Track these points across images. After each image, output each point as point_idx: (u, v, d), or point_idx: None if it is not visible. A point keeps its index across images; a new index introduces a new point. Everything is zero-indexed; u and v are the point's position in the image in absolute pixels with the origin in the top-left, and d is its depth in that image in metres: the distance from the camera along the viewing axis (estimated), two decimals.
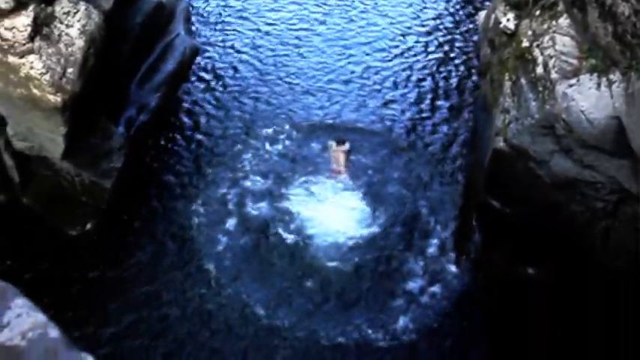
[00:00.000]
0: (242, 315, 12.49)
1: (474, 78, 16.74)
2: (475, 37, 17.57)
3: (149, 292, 12.89)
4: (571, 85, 10.21)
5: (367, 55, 17.80)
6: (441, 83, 16.96)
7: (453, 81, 17.02)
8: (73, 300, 12.69)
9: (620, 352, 11.26)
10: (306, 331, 12.14)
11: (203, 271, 13.20)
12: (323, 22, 18.70)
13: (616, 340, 11.41)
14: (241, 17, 18.92)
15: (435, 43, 18.12)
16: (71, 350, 3.74)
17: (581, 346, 11.79)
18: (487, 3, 18.14)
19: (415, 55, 17.80)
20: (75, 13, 12.30)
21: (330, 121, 16.07)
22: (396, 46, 17.98)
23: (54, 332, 3.76)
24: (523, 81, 11.36)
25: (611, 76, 9.75)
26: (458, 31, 18.51)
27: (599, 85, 9.90)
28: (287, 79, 17.08)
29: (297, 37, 18.33)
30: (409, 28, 18.69)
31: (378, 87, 16.85)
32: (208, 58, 17.67)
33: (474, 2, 19.43)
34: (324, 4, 19.42)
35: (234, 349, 12.06)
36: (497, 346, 12.41)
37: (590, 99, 9.95)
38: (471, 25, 18.45)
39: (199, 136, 15.70)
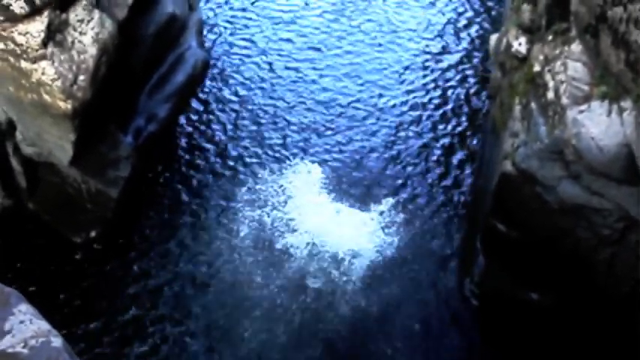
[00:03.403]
0: (243, 325, 12.48)
1: (484, 101, 16.72)
2: (485, 60, 17.59)
3: (150, 303, 12.87)
4: (581, 111, 10.17)
5: (374, 78, 17.78)
6: (450, 106, 16.93)
7: (462, 104, 16.99)
8: (73, 307, 12.66)
9: None
10: None
11: (207, 284, 13.18)
12: (334, 46, 18.72)
13: None
14: (254, 32, 18.95)
15: (445, 65, 18.12)
16: None
17: None
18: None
19: (424, 77, 17.79)
20: (89, 21, 12.36)
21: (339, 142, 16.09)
22: (406, 67, 17.98)
23: (57, 341, 3.75)
24: (533, 105, 11.32)
25: (623, 104, 9.71)
26: (468, 54, 18.50)
27: (609, 112, 9.87)
28: (297, 96, 17.08)
29: (308, 56, 18.35)
30: (417, 47, 18.70)
31: (386, 112, 16.81)
32: (219, 70, 17.69)
33: (484, 25, 19.43)
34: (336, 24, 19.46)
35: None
36: None
37: (600, 126, 9.91)
38: (481, 48, 18.43)
39: (207, 148, 15.71)
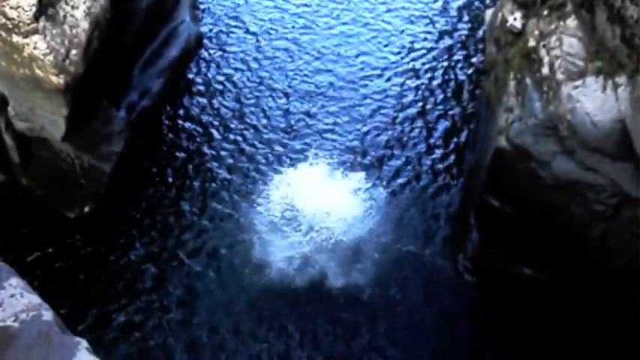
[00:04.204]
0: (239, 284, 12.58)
1: (478, 76, 16.65)
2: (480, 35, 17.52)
3: (142, 277, 12.86)
4: (576, 87, 10.15)
5: (371, 54, 17.67)
6: (444, 80, 16.85)
7: (457, 80, 16.92)
8: (66, 281, 12.65)
9: (614, 352, 11.26)
10: None
11: (197, 258, 13.18)
12: (331, 27, 18.59)
13: (611, 340, 11.40)
14: (246, 9, 18.80)
15: (440, 42, 18.02)
16: (64, 334, 3.72)
17: (574, 346, 11.79)
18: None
19: (420, 56, 17.68)
20: None
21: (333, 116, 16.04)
22: (401, 45, 17.87)
23: (48, 315, 3.74)
24: (528, 81, 11.29)
25: (617, 79, 9.69)
26: (462, 28, 18.40)
27: (604, 87, 9.85)
28: (291, 75, 16.96)
29: (301, 35, 18.22)
30: (412, 22, 18.59)
31: (382, 91, 16.73)
32: (213, 46, 17.58)
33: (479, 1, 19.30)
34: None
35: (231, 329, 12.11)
36: (491, 344, 12.38)
37: (595, 101, 9.90)
38: (476, 24, 18.35)
39: (201, 123, 15.64)
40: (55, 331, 3.53)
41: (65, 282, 12.65)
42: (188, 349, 11.98)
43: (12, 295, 3.59)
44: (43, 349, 3.38)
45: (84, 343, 3.44)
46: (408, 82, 16.84)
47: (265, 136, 15.40)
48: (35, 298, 3.61)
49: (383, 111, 16.15)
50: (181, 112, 15.91)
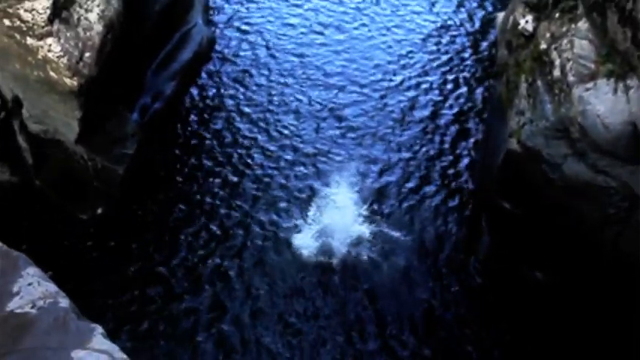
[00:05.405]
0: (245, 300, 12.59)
1: (490, 79, 16.68)
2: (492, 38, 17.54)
3: (155, 278, 12.92)
4: (587, 89, 10.17)
5: (380, 56, 17.75)
6: (455, 83, 16.90)
7: (468, 81, 16.96)
8: (78, 283, 12.69)
9: (625, 357, 11.23)
10: None
11: (210, 263, 13.22)
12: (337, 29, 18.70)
13: (622, 345, 11.37)
14: (258, 12, 18.91)
15: (450, 43, 18.08)
16: (80, 320, 3.79)
17: (585, 349, 11.77)
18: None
19: (431, 60, 17.75)
20: None
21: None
22: (410, 47, 17.95)
23: (64, 302, 3.81)
24: (539, 83, 11.32)
25: (629, 82, 9.71)
26: (474, 33, 18.45)
27: (616, 90, 9.87)
28: (302, 76, 17.03)
29: (313, 37, 18.32)
30: (423, 29, 18.66)
31: (393, 93, 16.78)
32: (225, 48, 17.67)
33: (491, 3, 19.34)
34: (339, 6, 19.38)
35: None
36: (501, 346, 12.37)
37: (606, 104, 9.92)
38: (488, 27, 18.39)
39: (213, 126, 15.71)
40: (72, 317, 3.60)
41: (77, 284, 12.66)
42: (201, 332, 12.15)
43: (29, 284, 3.67)
44: (60, 335, 3.45)
45: (99, 329, 3.51)
46: (423, 93, 16.82)
47: (278, 141, 15.43)
48: (52, 287, 3.68)
49: (394, 114, 16.21)
50: (193, 114, 15.99)
